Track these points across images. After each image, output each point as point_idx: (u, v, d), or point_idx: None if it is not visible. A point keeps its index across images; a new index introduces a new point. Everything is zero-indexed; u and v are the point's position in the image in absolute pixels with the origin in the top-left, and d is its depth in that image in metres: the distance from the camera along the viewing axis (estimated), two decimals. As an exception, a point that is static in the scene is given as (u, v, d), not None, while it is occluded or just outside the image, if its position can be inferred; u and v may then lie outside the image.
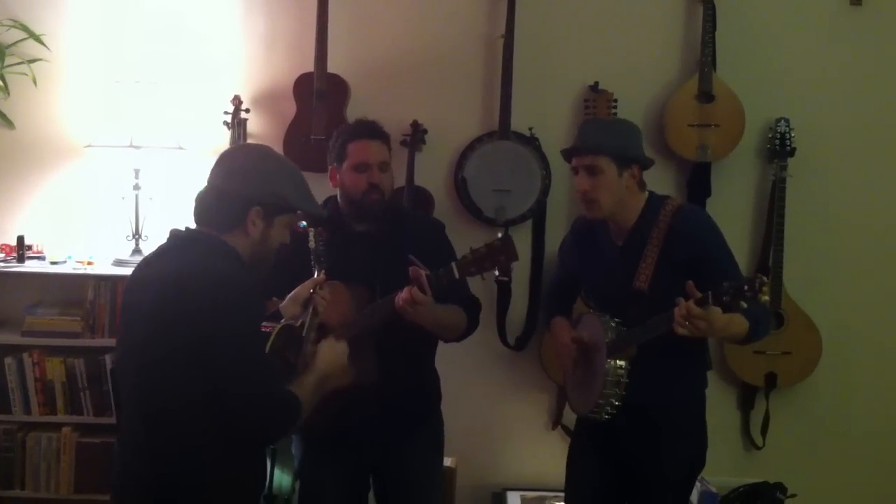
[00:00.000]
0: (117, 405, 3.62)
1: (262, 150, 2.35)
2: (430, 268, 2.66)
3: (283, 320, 2.54)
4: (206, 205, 2.25)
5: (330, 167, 2.90)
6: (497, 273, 2.65)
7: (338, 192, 2.91)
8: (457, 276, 2.65)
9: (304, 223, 2.69)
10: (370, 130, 2.88)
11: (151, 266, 2.25)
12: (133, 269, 2.34)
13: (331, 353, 2.39)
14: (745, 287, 2.33)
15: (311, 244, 2.67)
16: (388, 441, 2.89)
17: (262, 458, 2.38)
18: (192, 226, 2.29)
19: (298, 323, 2.52)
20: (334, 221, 2.90)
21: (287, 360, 2.38)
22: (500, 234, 2.65)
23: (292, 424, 2.23)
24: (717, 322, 2.45)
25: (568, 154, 2.85)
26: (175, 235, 2.28)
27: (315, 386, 2.31)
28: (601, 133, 2.80)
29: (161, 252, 2.28)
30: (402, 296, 2.63)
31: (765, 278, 2.32)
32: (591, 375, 2.82)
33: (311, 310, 2.53)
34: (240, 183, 2.22)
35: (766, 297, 2.34)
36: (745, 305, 2.37)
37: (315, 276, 2.65)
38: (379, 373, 2.75)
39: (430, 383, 3.02)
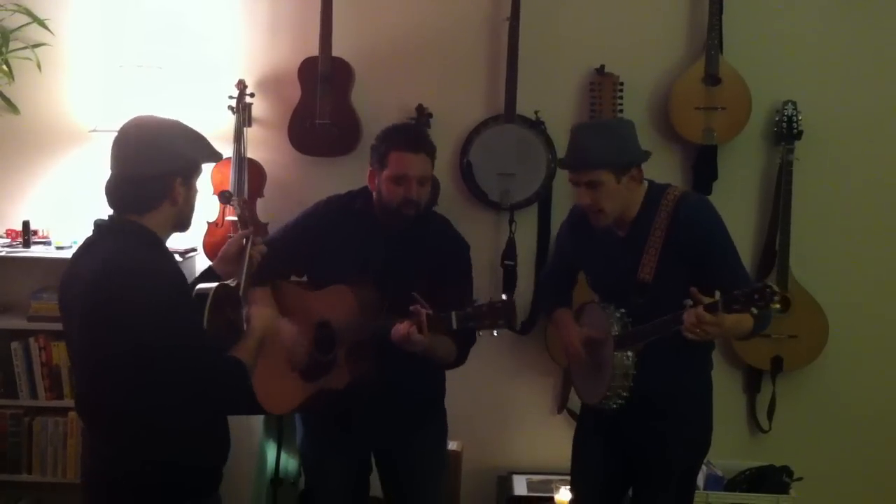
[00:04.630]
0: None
1: (153, 125, 2.33)
2: (441, 285, 2.71)
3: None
4: (125, 192, 2.28)
5: (370, 168, 2.89)
6: (495, 333, 2.70)
7: (374, 192, 2.90)
8: (454, 326, 2.66)
9: (226, 193, 2.73)
10: (415, 143, 2.85)
11: (80, 261, 2.31)
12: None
13: (261, 318, 2.44)
14: (756, 297, 2.33)
15: (238, 211, 2.70)
16: (389, 433, 2.92)
17: (222, 427, 2.43)
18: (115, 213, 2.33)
19: (234, 283, 2.50)
20: (364, 216, 2.90)
21: (228, 318, 2.38)
22: (503, 297, 2.69)
23: (240, 388, 2.29)
24: (726, 325, 2.44)
25: (563, 167, 2.84)
26: (99, 226, 2.33)
27: (256, 347, 2.37)
28: (594, 145, 2.71)
29: (87, 245, 2.34)
30: (401, 331, 2.65)
31: (776, 288, 2.31)
32: (598, 367, 2.81)
33: (245, 262, 2.52)
34: (153, 163, 2.25)
35: (777, 306, 2.32)
36: (755, 312, 2.36)
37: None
38: (376, 373, 2.77)
39: (432, 382, 3.01)
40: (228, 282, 2.49)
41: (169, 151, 2.27)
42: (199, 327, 2.25)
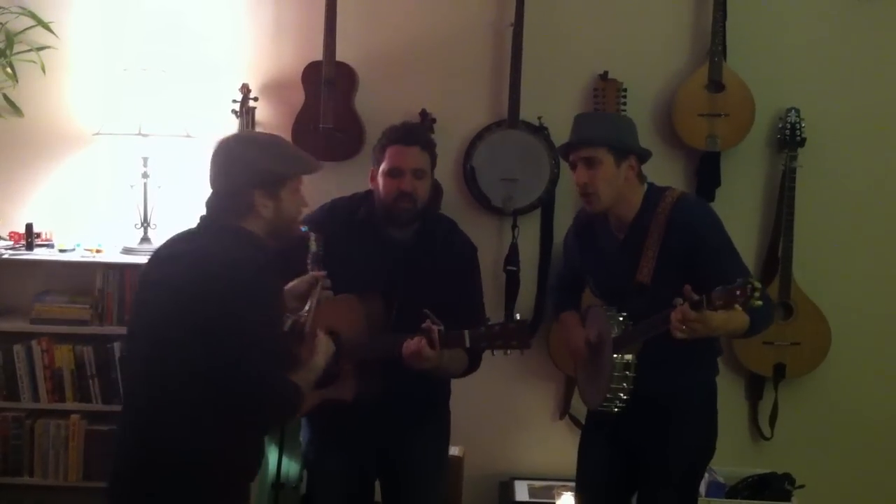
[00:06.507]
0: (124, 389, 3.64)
1: (239, 139, 2.47)
2: (451, 291, 2.71)
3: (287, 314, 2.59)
4: (214, 206, 2.39)
5: (371, 168, 2.90)
6: (505, 352, 2.69)
7: (374, 192, 2.90)
8: (467, 344, 2.65)
9: (305, 227, 2.72)
10: (408, 135, 2.85)
11: (180, 245, 2.39)
12: (148, 254, 2.51)
13: (326, 355, 2.52)
14: (738, 292, 2.33)
15: (313, 248, 2.72)
16: (392, 433, 2.91)
17: (260, 444, 2.47)
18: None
19: (304, 318, 2.56)
20: (368, 224, 2.89)
21: (292, 350, 2.46)
22: (517, 316, 2.68)
23: (292, 411, 2.38)
24: (713, 322, 2.44)
25: (565, 150, 2.85)
26: (203, 221, 2.41)
27: (313, 382, 2.45)
28: (596, 125, 2.81)
29: (190, 234, 2.42)
30: (411, 348, 2.63)
31: (757, 283, 2.31)
32: (599, 370, 2.82)
33: (314, 302, 2.57)
34: (233, 178, 2.36)
35: (759, 302, 2.31)
36: (738, 309, 2.36)
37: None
38: (382, 384, 2.75)
39: (435, 387, 2.99)
40: (300, 315, 2.56)
41: (242, 165, 2.36)
42: (280, 335, 2.36)
